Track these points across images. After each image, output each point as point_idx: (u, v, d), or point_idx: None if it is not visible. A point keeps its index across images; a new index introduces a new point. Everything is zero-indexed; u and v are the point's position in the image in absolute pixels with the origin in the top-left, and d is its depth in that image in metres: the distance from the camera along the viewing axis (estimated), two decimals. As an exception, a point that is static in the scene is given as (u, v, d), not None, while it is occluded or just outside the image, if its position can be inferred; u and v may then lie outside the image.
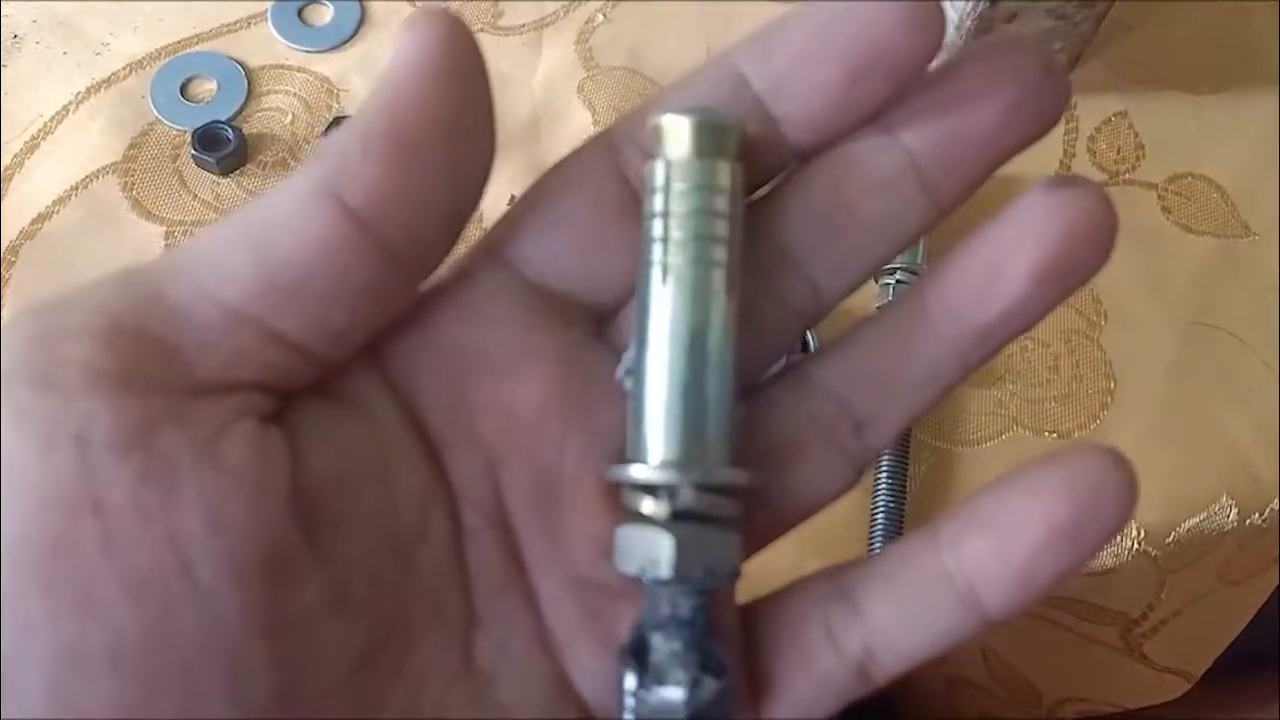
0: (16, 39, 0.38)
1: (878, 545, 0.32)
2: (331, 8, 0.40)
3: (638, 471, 0.16)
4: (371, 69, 0.39)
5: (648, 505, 0.16)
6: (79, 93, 0.38)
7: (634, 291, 0.17)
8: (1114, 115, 0.40)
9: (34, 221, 0.35)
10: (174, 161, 0.37)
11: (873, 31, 0.16)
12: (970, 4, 0.36)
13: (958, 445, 0.34)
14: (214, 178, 0.36)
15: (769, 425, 0.18)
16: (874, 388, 0.18)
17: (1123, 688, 0.41)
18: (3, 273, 0.34)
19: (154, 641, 0.13)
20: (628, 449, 0.17)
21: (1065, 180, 0.16)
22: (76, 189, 0.36)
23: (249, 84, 0.38)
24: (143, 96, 0.38)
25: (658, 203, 0.16)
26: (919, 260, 0.35)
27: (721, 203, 0.16)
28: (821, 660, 0.17)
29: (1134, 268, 0.37)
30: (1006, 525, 0.16)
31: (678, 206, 0.16)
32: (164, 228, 0.36)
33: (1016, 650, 0.39)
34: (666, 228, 0.16)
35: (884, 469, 0.32)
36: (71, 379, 0.14)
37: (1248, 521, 0.34)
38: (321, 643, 0.15)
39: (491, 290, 0.17)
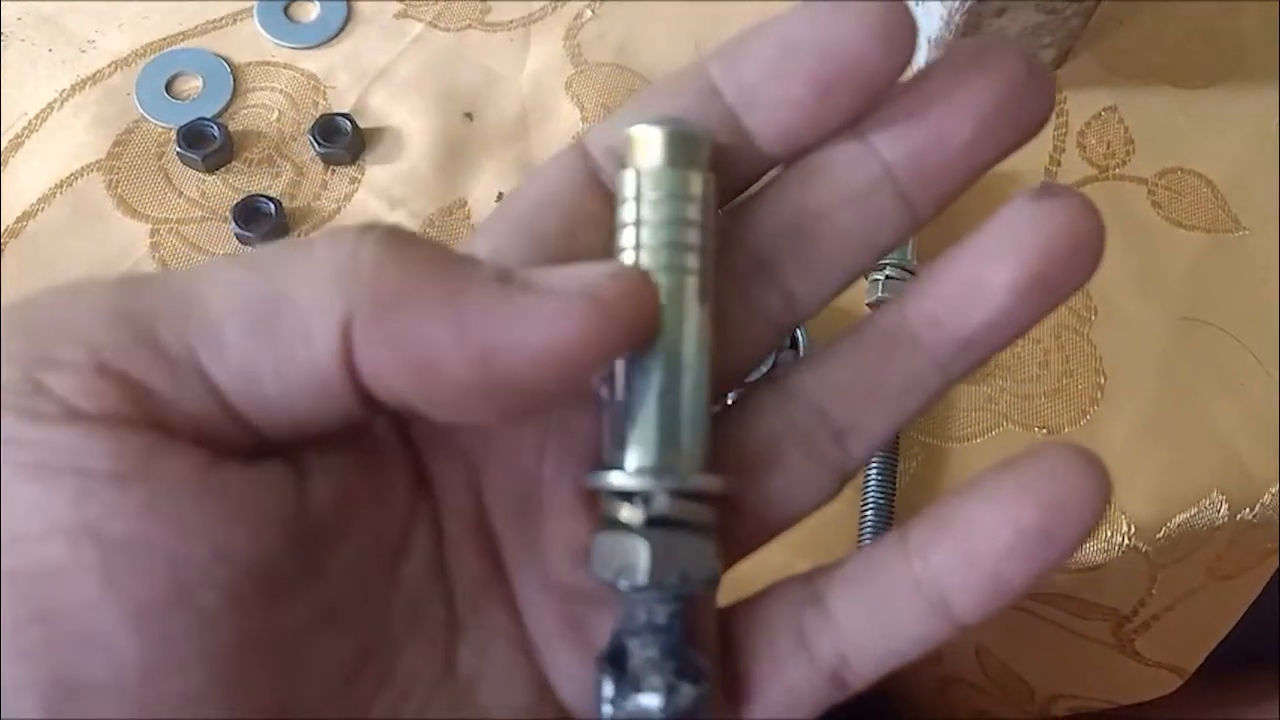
0: (1, 36, 0.38)
1: (867, 542, 0.31)
2: (318, 5, 0.40)
3: (613, 478, 0.16)
4: (357, 66, 0.39)
5: (623, 512, 0.16)
6: (64, 90, 0.37)
7: None
8: (1104, 110, 0.40)
9: (18, 219, 0.35)
10: (159, 159, 0.37)
11: (841, 44, 0.15)
12: (959, 0, 0.36)
13: (948, 441, 0.34)
14: (200, 175, 0.36)
15: (748, 433, 0.18)
16: (855, 397, 0.18)
17: (1115, 684, 0.41)
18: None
19: (154, 669, 0.13)
20: (604, 455, 0.17)
21: (1049, 190, 0.16)
22: (61, 187, 0.36)
23: (235, 81, 0.38)
24: (128, 94, 0.37)
25: (630, 212, 0.16)
26: (909, 257, 0.34)
27: (693, 212, 0.16)
28: (794, 666, 0.17)
29: (1124, 263, 0.37)
30: (974, 530, 0.16)
31: (650, 215, 0.16)
32: (149, 225, 0.35)
33: (1009, 647, 0.39)
34: (639, 236, 0.16)
35: (874, 466, 0.32)
36: (54, 413, 0.13)
37: (1239, 516, 0.34)
38: (313, 659, 0.15)
39: None
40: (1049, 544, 0.15)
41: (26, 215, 0.35)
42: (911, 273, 0.34)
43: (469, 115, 0.38)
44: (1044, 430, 0.34)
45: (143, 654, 0.13)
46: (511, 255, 0.17)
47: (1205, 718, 0.45)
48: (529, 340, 0.14)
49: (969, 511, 0.16)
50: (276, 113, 0.38)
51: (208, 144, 0.36)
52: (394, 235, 0.15)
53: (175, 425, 0.14)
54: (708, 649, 0.17)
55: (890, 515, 0.32)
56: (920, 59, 0.43)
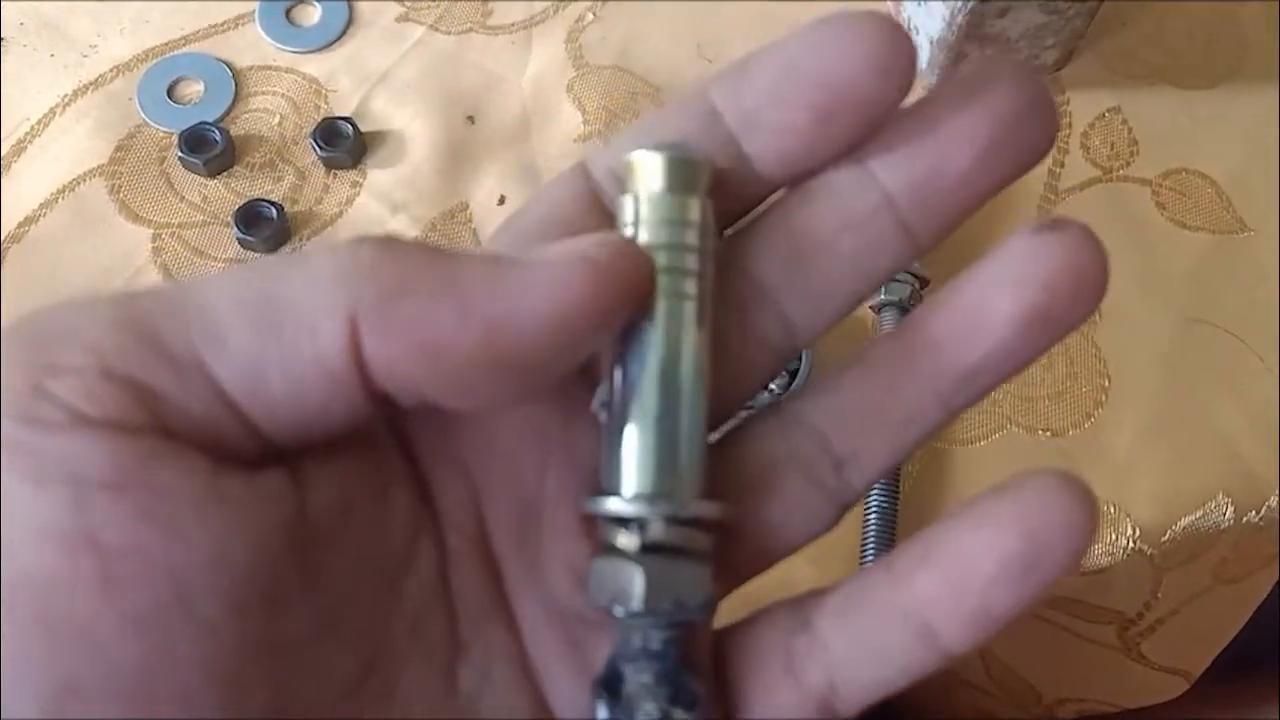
0: (2, 41, 0.38)
1: (870, 546, 0.31)
2: (319, 8, 0.40)
3: (610, 504, 0.16)
4: (359, 69, 0.39)
5: (619, 538, 0.16)
6: (66, 95, 0.37)
7: None
8: (1107, 111, 0.40)
9: (21, 224, 0.35)
10: (161, 164, 0.37)
11: (840, 72, 0.15)
12: (961, 1, 0.36)
13: (951, 444, 0.34)
14: (201, 179, 0.36)
15: (748, 458, 0.18)
16: (855, 425, 0.17)
17: (1121, 687, 0.41)
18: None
19: (153, 673, 0.13)
20: (602, 480, 0.17)
21: (1054, 225, 0.16)
22: (64, 192, 0.36)
23: (236, 85, 0.38)
24: (130, 99, 0.37)
25: (629, 236, 0.16)
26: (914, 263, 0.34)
27: (692, 237, 0.16)
28: (783, 693, 0.17)
29: (1128, 264, 0.37)
30: (959, 558, 0.16)
31: (649, 240, 0.16)
32: (151, 230, 0.35)
33: (1015, 651, 0.39)
34: None
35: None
36: (59, 419, 0.13)
37: (1244, 519, 0.34)
38: (313, 668, 0.15)
39: None
40: (1033, 573, 0.15)
41: (29, 220, 0.35)
42: (916, 275, 0.34)
43: (470, 118, 0.38)
44: (1048, 433, 0.34)
45: (142, 659, 0.13)
46: None
47: (1206, 718, 0.45)
48: (531, 309, 0.14)
49: (954, 540, 0.16)
50: (278, 117, 0.38)
51: (210, 148, 0.36)
52: (387, 238, 0.15)
53: (180, 429, 0.14)
54: (702, 675, 0.17)
55: (894, 519, 0.32)
56: (922, 59, 0.43)
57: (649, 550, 0.16)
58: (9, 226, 0.35)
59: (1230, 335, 0.36)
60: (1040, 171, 0.39)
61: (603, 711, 0.16)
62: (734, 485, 0.17)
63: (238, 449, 0.15)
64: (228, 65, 0.38)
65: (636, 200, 0.16)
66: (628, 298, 0.15)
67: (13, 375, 0.14)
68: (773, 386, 0.31)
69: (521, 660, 0.17)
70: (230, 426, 0.14)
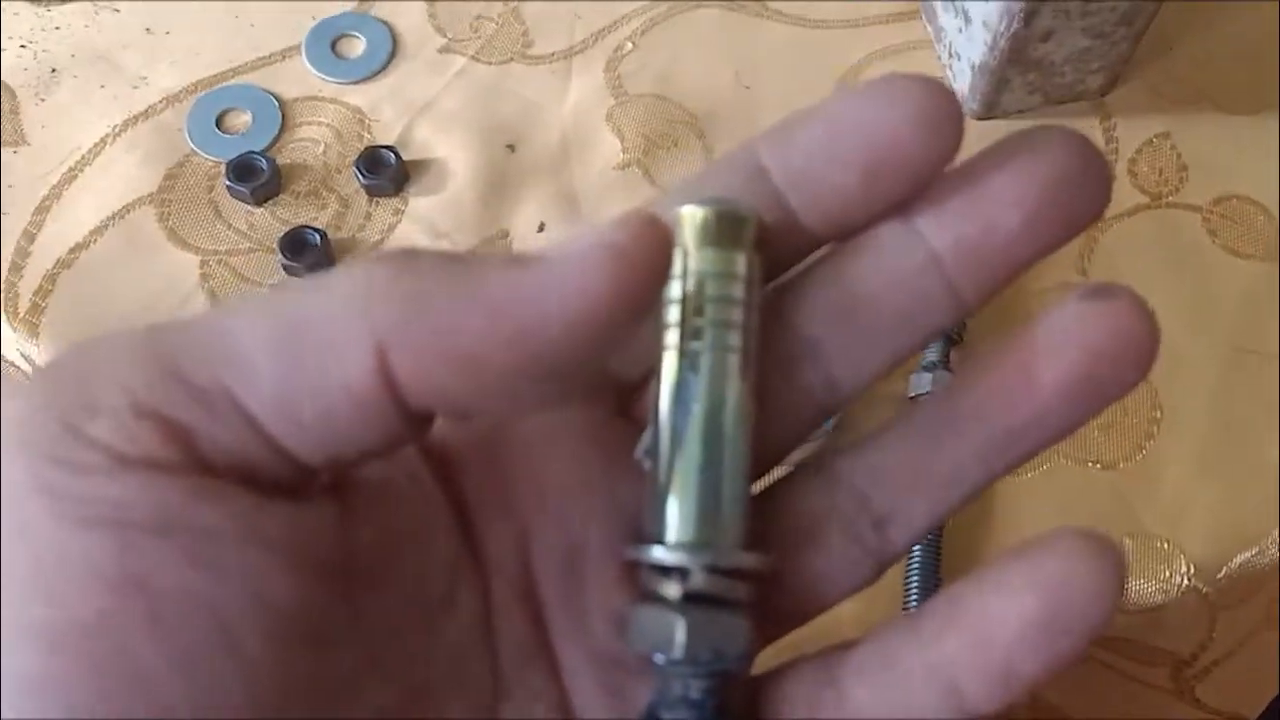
0: (55, 73, 0.39)
1: (914, 577, 0.31)
2: (364, 40, 0.40)
3: (653, 552, 0.16)
4: (401, 99, 0.39)
5: (662, 586, 0.16)
6: (116, 125, 0.38)
7: (653, 372, 0.17)
8: (1155, 136, 0.39)
9: (72, 250, 0.36)
10: (209, 192, 0.37)
11: (886, 130, 0.16)
12: (1004, 24, 0.35)
13: (997, 475, 0.33)
14: (248, 207, 0.37)
15: (789, 512, 0.18)
16: (897, 485, 0.17)
17: (1173, 729, 0.39)
18: (41, 301, 0.35)
19: (201, 712, 0.13)
20: (645, 528, 0.17)
21: (1102, 291, 0.16)
22: (114, 219, 0.37)
23: (282, 115, 0.39)
24: (179, 129, 0.38)
25: (677, 289, 0.17)
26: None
27: (738, 290, 0.17)
28: None
29: (1179, 293, 0.36)
30: (984, 618, 0.15)
31: (695, 293, 0.17)
32: (199, 257, 0.36)
33: (1065, 694, 0.38)
34: (685, 313, 0.17)
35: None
36: (98, 462, 0.14)
37: (1302, 556, 0.32)
38: (355, 704, 0.15)
39: None
40: (1057, 635, 0.15)
41: (79, 247, 0.36)
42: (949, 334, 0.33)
43: (511, 147, 0.39)
44: (1098, 465, 0.34)
45: (190, 698, 0.13)
46: None
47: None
48: (559, 306, 0.14)
49: (978, 599, 0.16)
50: (323, 146, 0.38)
51: (256, 177, 0.36)
52: (401, 251, 0.15)
53: (217, 464, 0.14)
54: None
55: (938, 550, 0.31)
56: (964, 85, 0.42)
57: (691, 599, 0.16)
58: (60, 252, 0.36)
59: (1285, 365, 0.35)
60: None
61: None
62: (774, 538, 0.17)
63: (274, 477, 0.15)
64: (275, 96, 0.39)
65: (685, 253, 0.17)
66: (654, 276, 0.14)
67: (47, 419, 0.14)
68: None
69: (562, 704, 0.17)
70: (263, 455, 0.14)
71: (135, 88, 0.39)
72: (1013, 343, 0.16)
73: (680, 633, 0.16)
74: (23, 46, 0.40)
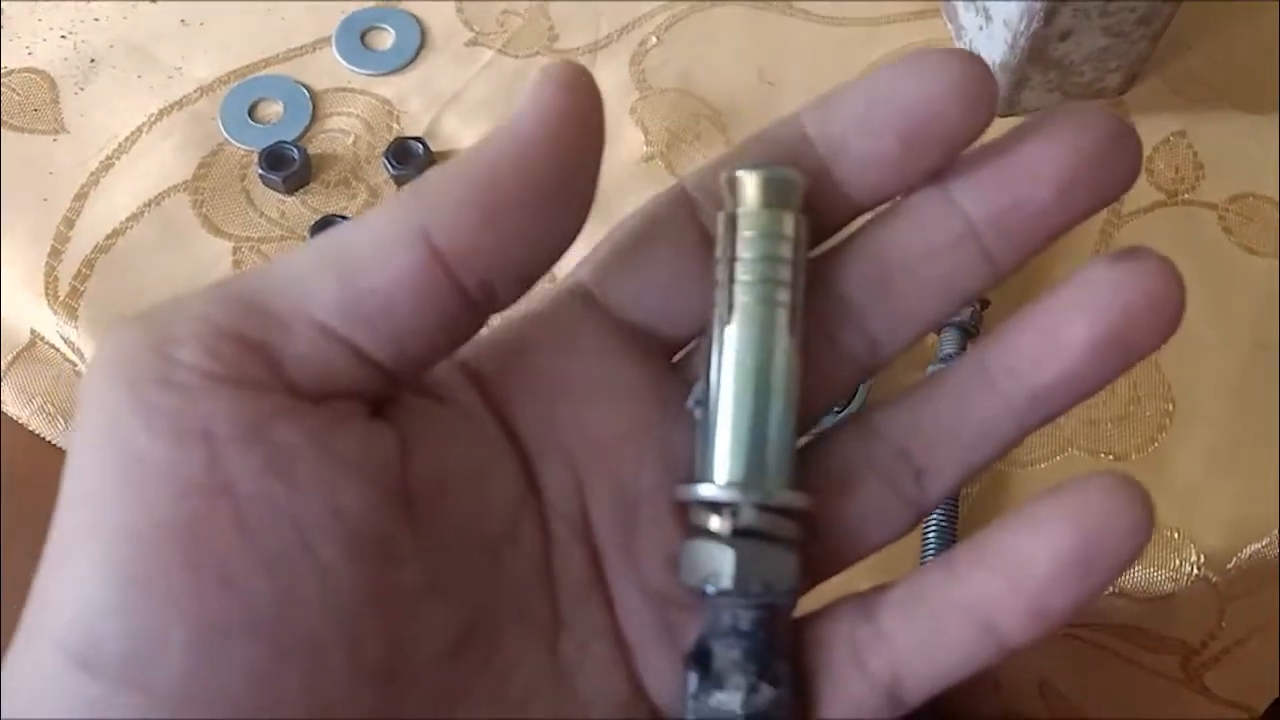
0: (94, 63, 0.40)
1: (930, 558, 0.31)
2: (393, 32, 0.41)
3: (704, 490, 0.17)
4: (429, 91, 0.40)
5: (712, 522, 0.17)
6: (152, 115, 0.39)
7: (705, 328, 0.18)
8: (1172, 135, 0.40)
9: (109, 236, 0.37)
10: (242, 180, 0.38)
11: (926, 102, 0.16)
12: (1024, 23, 0.36)
13: (1012, 465, 0.34)
14: (280, 196, 0.38)
15: (829, 463, 0.19)
16: (932, 440, 0.18)
17: None
18: (80, 285, 0.36)
19: (284, 612, 0.15)
20: (696, 470, 0.18)
21: (1131, 253, 0.17)
22: (149, 206, 0.37)
23: (313, 106, 0.39)
24: (213, 118, 0.39)
25: (728, 248, 0.18)
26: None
27: (786, 249, 0.17)
28: (851, 684, 0.17)
29: (1194, 289, 0.35)
30: (1016, 556, 0.16)
31: (746, 252, 0.17)
32: (231, 244, 0.37)
33: (1074, 682, 0.38)
34: (735, 271, 0.17)
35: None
36: (189, 380, 0.15)
37: (1312, 549, 0.33)
38: (421, 621, 0.16)
39: (581, 323, 0.19)
40: (1088, 572, 0.16)
41: (116, 233, 0.37)
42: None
43: (536, 139, 0.39)
44: (1110, 456, 0.34)
45: (274, 598, 0.14)
46: (614, 277, 0.18)
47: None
48: (530, 127, 0.16)
49: (1012, 539, 0.16)
50: (353, 136, 0.39)
51: (288, 166, 0.37)
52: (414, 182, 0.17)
53: (299, 379, 0.16)
54: (786, 657, 0.17)
55: (953, 539, 0.32)
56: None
57: (740, 534, 0.17)
58: (98, 238, 0.37)
59: (1298, 361, 0.35)
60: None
61: (694, 684, 0.17)
62: (817, 483, 0.18)
63: (355, 386, 0.16)
64: (306, 87, 0.40)
65: (735, 215, 0.18)
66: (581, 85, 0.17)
67: (141, 347, 0.15)
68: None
69: (617, 639, 0.18)
70: (341, 363, 0.16)
71: (170, 78, 0.40)
72: (1042, 303, 0.17)
73: (730, 564, 0.17)
74: (63, 37, 0.41)
